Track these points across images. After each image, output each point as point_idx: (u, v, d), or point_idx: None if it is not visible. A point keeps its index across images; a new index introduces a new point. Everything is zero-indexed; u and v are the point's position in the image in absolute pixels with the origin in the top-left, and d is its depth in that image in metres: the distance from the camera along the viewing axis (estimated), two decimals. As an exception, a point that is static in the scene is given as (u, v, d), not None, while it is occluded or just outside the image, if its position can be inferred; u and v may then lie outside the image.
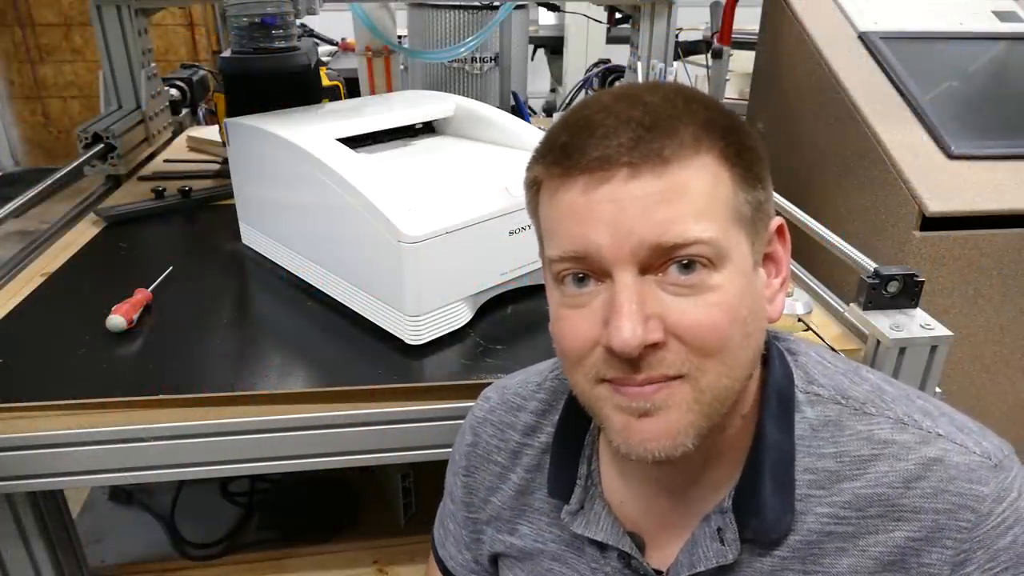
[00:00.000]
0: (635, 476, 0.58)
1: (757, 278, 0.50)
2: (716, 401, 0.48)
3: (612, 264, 0.46)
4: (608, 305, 0.47)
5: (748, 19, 1.86)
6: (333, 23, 2.30)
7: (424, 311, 0.86)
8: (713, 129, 0.48)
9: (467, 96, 1.26)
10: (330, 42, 2.62)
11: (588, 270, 0.48)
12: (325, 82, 1.53)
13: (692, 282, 0.46)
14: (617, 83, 1.89)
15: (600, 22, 2.64)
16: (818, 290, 1.02)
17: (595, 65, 2.04)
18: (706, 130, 0.47)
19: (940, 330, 0.86)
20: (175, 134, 1.80)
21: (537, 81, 2.53)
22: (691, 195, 0.46)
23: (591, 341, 0.48)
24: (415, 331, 0.86)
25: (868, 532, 0.50)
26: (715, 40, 1.88)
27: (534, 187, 0.52)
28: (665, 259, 0.46)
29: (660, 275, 0.46)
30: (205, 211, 1.34)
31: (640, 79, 1.61)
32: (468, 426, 0.69)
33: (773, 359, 0.55)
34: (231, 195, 1.17)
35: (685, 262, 0.46)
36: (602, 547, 0.58)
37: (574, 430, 0.60)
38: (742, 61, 1.94)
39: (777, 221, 0.53)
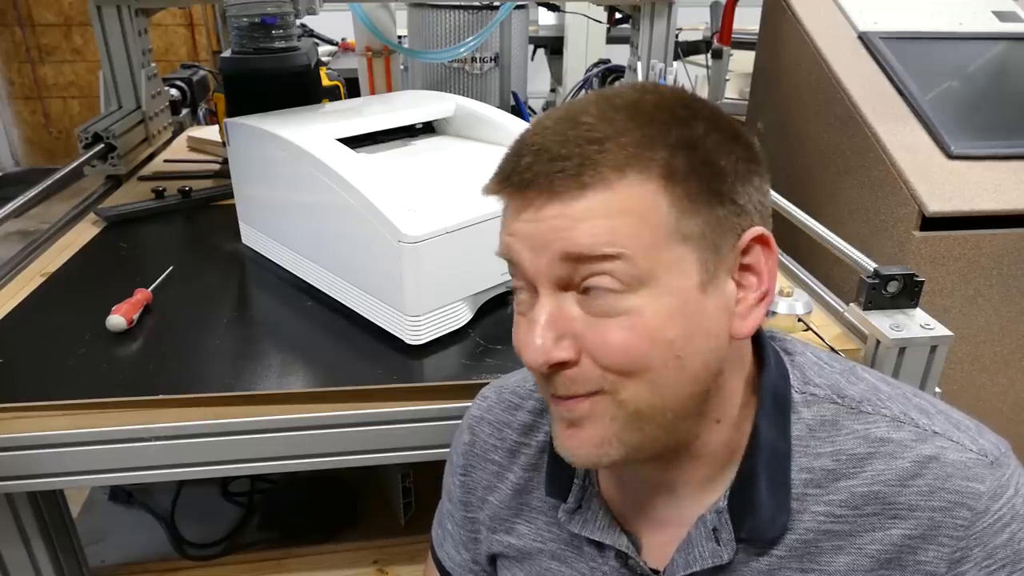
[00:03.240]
0: (629, 476, 0.58)
1: (713, 295, 0.48)
2: (640, 417, 0.48)
3: (534, 279, 0.49)
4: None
5: (748, 19, 1.86)
6: (333, 23, 2.30)
7: (424, 311, 0.86)
8: (654, 147, 0.46)
9: (467, 96, 1.26)
10: (330, 42, 2.62)
11: (524, 283, 0.50)
12: (325, 82, 1.53)
13: (607, 303, 0.47)
14: (617, 83, 1.89)
15: (600, 22, 2.64)
16: (818, 290, 1.02)
17: (595, 65, 2.05)
18: (643, 149, 0.46)
19: (940, 330, 0.86)
20: (175, 134, 1.80)
21: (537, 81, 2.53)
22: (608, 217, 0.46)
23: None
24: (415, 331, 0.86)
25: (865, 530, 0.50)
26: (715, 40, 1.88)
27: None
28: (582, 277, 0.47)
29: (580, 295, 0.48)
30: (205, 211, 1.34)
31: (640, 79, 1.61)
32: (466, 425, 0.69)
33: (769, 360, 0.55)
34: (231, 195, 1.17)
35: (602, 285, 0.46)
36: (600, 546, 0.58)
37: None
38: (742, 61, 1.94)
39: (755, 231, 0.49)
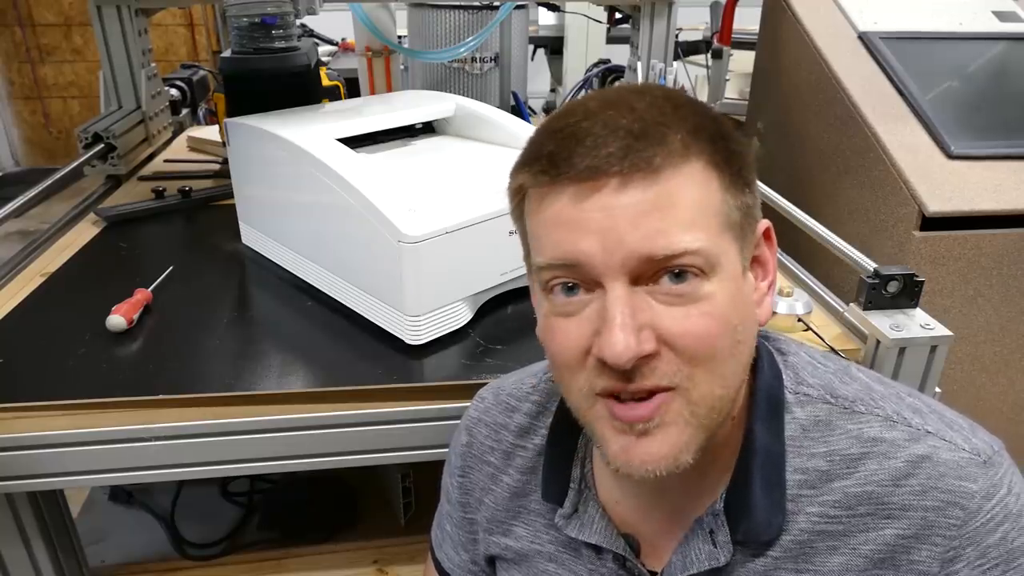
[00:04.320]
0: (628, 479, 0.57)
1: (746, 283, 0.50)
2: (712, 412, 0.48)
3: (603, 274, 0.46)
4: (600, 316, 0.46)
5: (748, 19, 1.86)
6: (333, 23, 2.30)
7: (424, 311, 0.86)
8: (701, 135, 0.47)
9: (467, 96, 1.26)
10: (330, 42, 2.62)
11: (578, 279, 0.48)
12: (325, 82, 1.53)
13: (683, 291, 0.46)
14: (617, 83, 1.89)
15: (600, 22, 2.64)
16: (818, 290, 1.02)
17: (595, 65, 2.05)
18: (695, 136, 0.47)
19: (940, 330, 0.86)
20: (175, 134, 1.80)
21: (537, 81, 2.53)
22: (681, 204, 0.46)
23: (583, 351, 0.48)
24: (415, 331, 0.86)
25: (858, 530, 0.50)
26: (715, 40, 1.88)
27: (519, 195, 0.52)
28: (656, 269, 0.46)
29: (651, 285, 0.46)
30: (205, 211, 1.34)
31: (640, 79, 1.61)
32: (463, 426, 0.69)
33: (762, 360, 0.55)
34: (231, 195, 1.17)
35: (676, 272, 0.46)
36: (597, 549, 0.58)
37: (567, 433, 0.60)
38: (742, 61, 1.94)
39: (764, 224, 0.53)
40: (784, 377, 0.55)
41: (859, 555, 0.50)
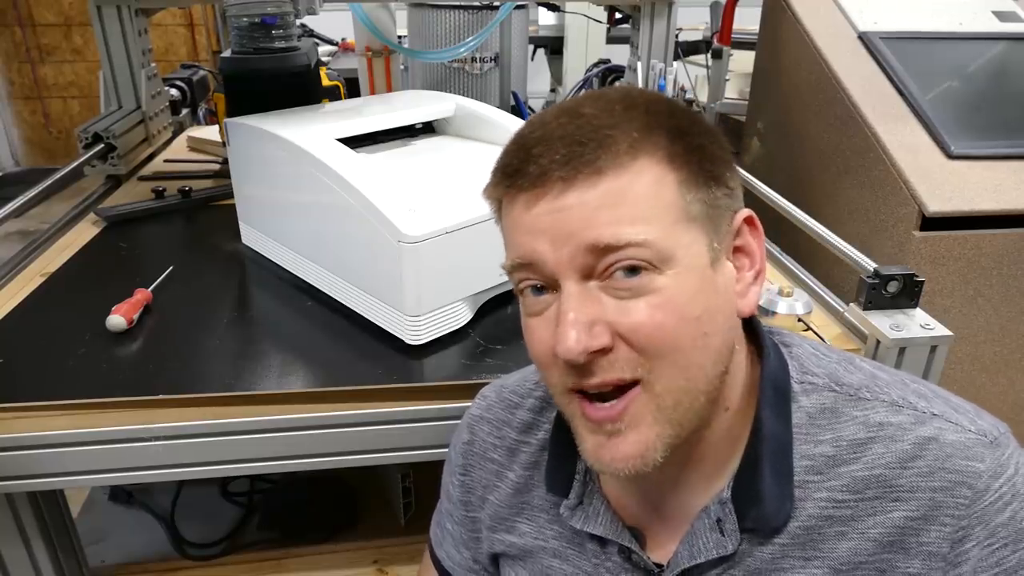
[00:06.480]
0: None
1: (720, 274, 0.50)
2: (678, 406, 0.49)
3: (556, 273, 0.48)
4: (555, 313, 0.48)
5: (748, 19, 1.86)
6: (333, 23, 2.30)
7: (424, 311, 0.86)
8: (655, 132, 0.48)
9: (467, 96, 1.26)
10: (330, 42, 2.62)
11: (539, 279, 0.50)
12: (325, 82, 1.53)
13: (633, 285, 0.47)
14: (617, 83, 1.89)
15: (600, 22, 2.65)
16: (818, 290, 1.02)
17: (595, 65, 2.05)
18: (646, 134, 0.48)
19: (940, 330, 0.86)
20: (175, 134, 1.80)
21: (537, 81, 2.53)
22: (628, 200, 0.47)
23: (550, 349, 0.49)
24: (415, 331, 0.86)
25: (867, 514, 0.51)
26: (715, 40, 1.88)
27: (494, 204, 0.55)
28: (607, 265, 0.47)
29: (606, 281, 0.47)
30: (205, 211, 1.34)
31: (640, 79, 1.62)
32: (465, 424, 0.69)
33: (768, 352, 0.55)
34: (231, 195, 1.17)
35: (629, 268, 0.47)
36: (602, 542, 0.58)
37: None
38: (742, 61, 1.94)
39: (744, 213, 0.53)
40: (790, 367, 0.55)
41: (868, 539, 0.50)
